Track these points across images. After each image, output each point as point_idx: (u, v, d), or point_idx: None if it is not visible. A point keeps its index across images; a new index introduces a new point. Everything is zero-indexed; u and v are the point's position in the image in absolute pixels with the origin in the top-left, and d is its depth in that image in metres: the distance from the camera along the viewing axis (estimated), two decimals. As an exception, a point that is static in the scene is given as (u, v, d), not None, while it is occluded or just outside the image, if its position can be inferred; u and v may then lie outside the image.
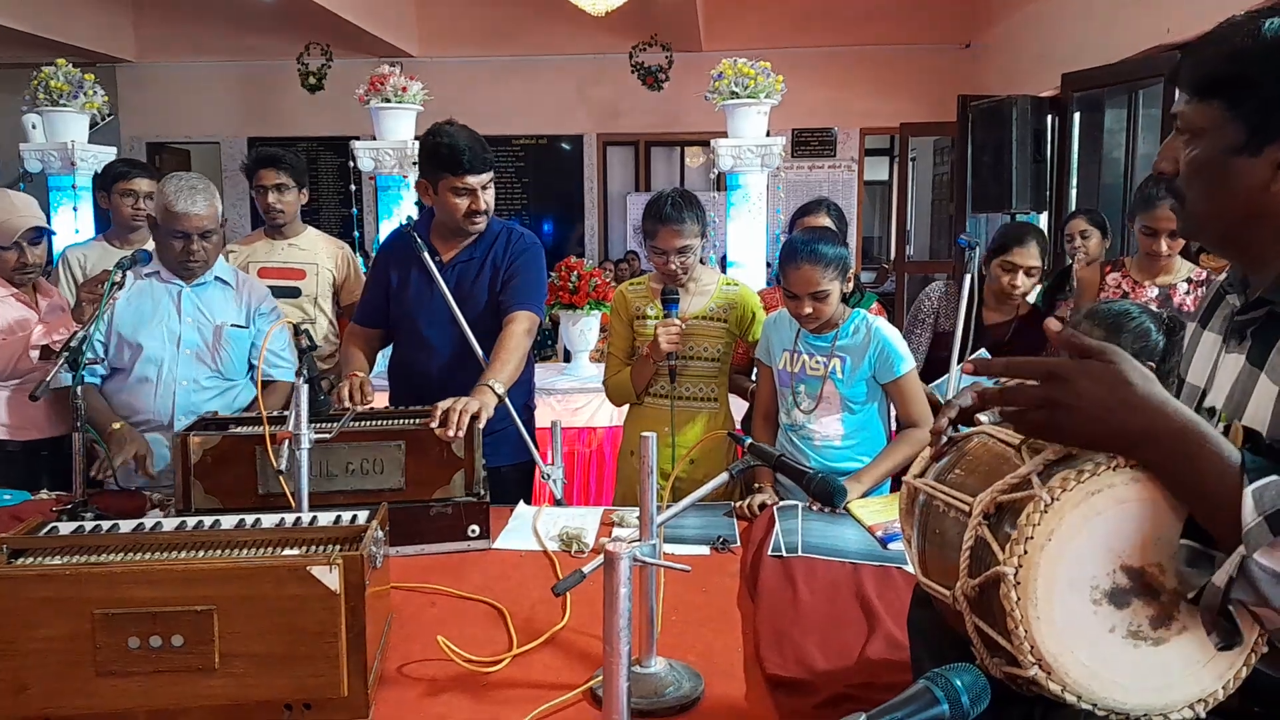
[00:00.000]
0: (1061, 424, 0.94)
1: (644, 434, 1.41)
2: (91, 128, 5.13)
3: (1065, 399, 0.93)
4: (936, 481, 1.12)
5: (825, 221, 2.98)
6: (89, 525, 1.51)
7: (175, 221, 2.51)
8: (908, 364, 2.35)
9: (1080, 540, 0.93)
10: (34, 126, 4.96)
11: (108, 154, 5.07)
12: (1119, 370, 0.92)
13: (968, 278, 2.75)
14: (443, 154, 2.49)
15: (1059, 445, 0.97)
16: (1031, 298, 3.03)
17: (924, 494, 1.14)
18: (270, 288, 2.91)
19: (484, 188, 2.55)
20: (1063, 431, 0.95)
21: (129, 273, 2.41)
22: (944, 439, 1.11)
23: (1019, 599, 0.93)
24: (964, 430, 1.17)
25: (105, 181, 3.35)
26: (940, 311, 3.07)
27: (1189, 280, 2.77)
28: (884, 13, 9.01)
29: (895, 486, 2.42)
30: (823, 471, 1.47)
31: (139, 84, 10.02)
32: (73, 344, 2.16)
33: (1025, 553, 0.93)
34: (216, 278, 2.69)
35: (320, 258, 3.40)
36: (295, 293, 3.31)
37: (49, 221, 2.82)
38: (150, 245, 3.28)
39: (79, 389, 2.11)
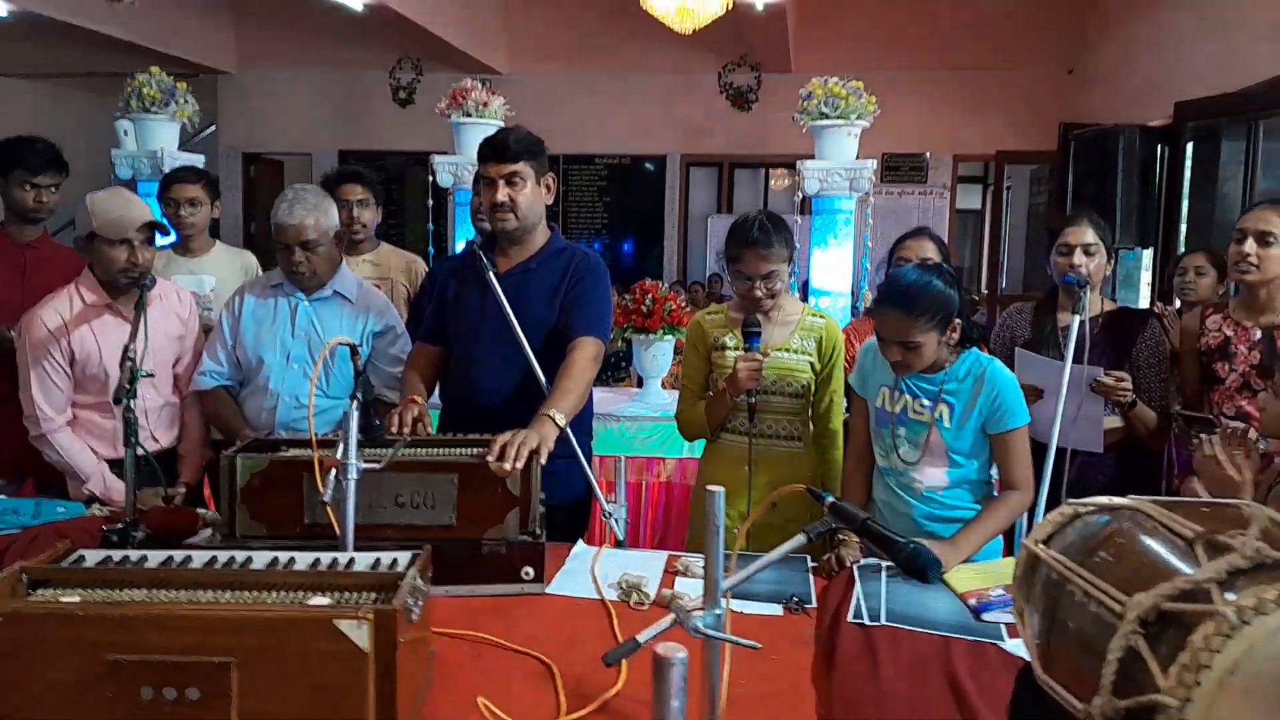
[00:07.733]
0: None
1: (710, 489, 1.25)
2: (189, 138, 5.19)
3: None
4: (1074, 561, 0.93)
5: (930, 251, 2.78)
6: (117, 555, 1.41)
7: (278, 233, 2.55)
8: (1023, 418, 2.12)
9: (1273, 681, 0.74)
10: (126, 133, 5.03)
11: (197, 162, 5.11)
12: None
13: (1076, 319, 2.52)
14: (479, 147, 2.44)
15: (1253, 550, 0.78)
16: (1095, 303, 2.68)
17: (1053, 570, 0.95)
18: None
19: (508, 181, 2.37)
20: None
21: (249, 295, 2.63)
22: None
23: None
24: (1121, 500, 0.97)
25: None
26: (1015, 326, 2.86)
27: None
28: (983, 35, 8.71)
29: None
30: (915, 541, 1.29)
31: (239, 95, 10.28)
32: (130, 356, 2.10)
33: (1198, 684, 0.75)
34: (336, 292, 2.64)
35: (393, 271, 3.38)
36: None
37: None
38: (210, 257, 3.35)
39: (130, 403, 2.04)
